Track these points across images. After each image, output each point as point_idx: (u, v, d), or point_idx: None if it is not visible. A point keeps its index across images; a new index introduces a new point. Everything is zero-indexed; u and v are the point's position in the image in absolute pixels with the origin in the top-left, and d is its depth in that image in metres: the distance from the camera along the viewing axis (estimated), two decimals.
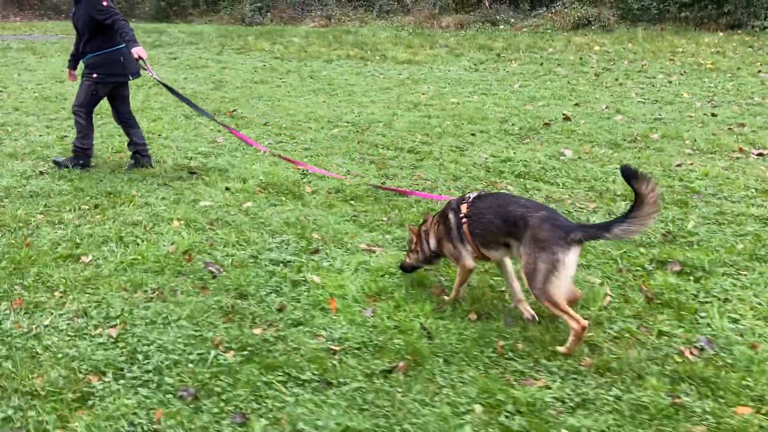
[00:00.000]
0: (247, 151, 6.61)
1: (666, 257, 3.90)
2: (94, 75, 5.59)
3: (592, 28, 15.29)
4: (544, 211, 3.02)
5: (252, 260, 3.95)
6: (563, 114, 8.00)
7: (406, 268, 3.66)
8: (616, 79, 10.40)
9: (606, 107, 8.39)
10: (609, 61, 11.99)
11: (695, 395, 2.64)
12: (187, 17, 23.74)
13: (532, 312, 3.23)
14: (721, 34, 13.71)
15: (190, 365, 2.82)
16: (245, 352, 2.93)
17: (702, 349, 2.96)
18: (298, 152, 6.66)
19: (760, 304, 3.38)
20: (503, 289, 3.54)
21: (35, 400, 2.59)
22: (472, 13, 17.95)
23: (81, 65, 5.82)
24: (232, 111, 8.64)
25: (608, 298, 3.42)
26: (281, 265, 3.89)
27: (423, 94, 9.84)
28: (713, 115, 7.80)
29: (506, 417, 2.52)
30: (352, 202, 5.05)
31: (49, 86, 10.63)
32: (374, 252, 4.08)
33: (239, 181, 5.58)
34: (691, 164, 5.90)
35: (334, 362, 2.86)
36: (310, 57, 14.23)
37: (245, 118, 8.33)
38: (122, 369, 2.79)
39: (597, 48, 13.33)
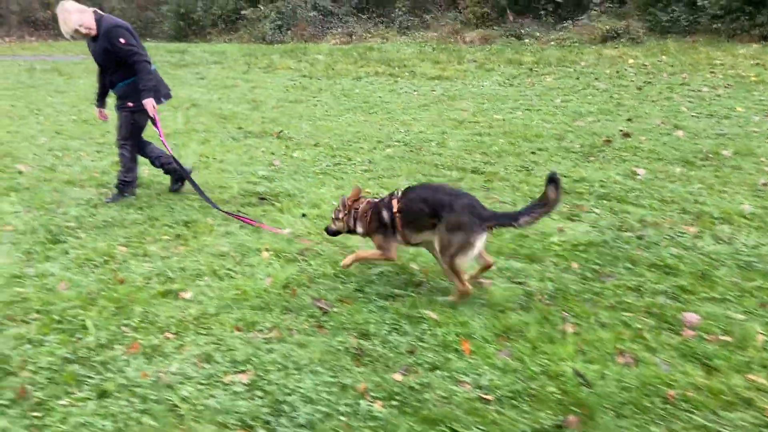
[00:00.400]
0: (308, 174, 6.44)
1: None
2: (129, 104, 5.33)
3: (622, 40, 15.14)
4: (466, 198, 3.57)
5: (360, 294, 3.75)
6: (620, 130, 7.82)
7: (330, 233, 4.10)
8: (660, 93, 10.22)
9: (661, 122, 8.20)
10: (647, 74, 11.82)
11: None
12: (206, 36, 23.68)
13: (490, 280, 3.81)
14: (755, 45, 13.55)
15: (342, 417, 2.60)
16: (394, 402, 2.71)
17: None
18: (358, 174, 6.48)
19: None
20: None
21: None
22: (495, 27, 17.83)
23: (111, 95, 5.57)
24: (279, 132, 8.47)
25: (761, 337, 3.18)
26: (389, 299, 3.68)
27: (464, 110, 9.68)
28: None
29: None
30: None
31: (84, 108, 10.50)
32: (482, 284, 3.87)
33: (311, 206, 5.40)
34: None
35: (493, 415, 2.64)
36: (338, 75, 14.10)
37: (293, 138, 8.16)
38: (269, 422, 2.57)
39: (631, 61, 13.17)
